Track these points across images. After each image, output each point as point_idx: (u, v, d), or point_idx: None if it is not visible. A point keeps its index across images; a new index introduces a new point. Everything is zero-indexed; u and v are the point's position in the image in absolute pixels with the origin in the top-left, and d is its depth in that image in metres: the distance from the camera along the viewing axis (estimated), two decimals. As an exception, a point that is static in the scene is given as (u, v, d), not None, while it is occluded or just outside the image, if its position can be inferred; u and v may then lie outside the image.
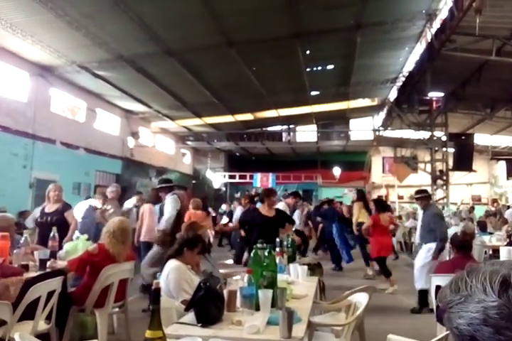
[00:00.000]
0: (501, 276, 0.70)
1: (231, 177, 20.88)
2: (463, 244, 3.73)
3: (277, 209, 5.20)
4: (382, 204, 7.19)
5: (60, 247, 4.23)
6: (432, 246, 5.26)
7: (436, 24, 10.03)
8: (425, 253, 5.33)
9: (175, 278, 2.93)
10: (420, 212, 5.67)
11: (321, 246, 10.81)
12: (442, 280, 3.33)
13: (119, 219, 3.87)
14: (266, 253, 2.66)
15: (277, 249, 3.76)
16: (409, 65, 12.78)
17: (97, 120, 13.23)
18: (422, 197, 5.64)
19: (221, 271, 5.21)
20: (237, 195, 18.61)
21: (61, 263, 3.77)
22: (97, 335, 3.40)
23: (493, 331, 0.68)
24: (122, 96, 12.70)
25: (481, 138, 17.41)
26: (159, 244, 5.28)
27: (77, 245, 4.23)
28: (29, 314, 2.85)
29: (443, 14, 9.60)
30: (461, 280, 0.75)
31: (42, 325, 3.07)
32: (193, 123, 17.29)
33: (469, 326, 0.70)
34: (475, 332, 0.69)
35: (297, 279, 3.39)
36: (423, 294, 5.22)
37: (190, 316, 2.23)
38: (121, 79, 11.34)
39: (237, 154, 22.02)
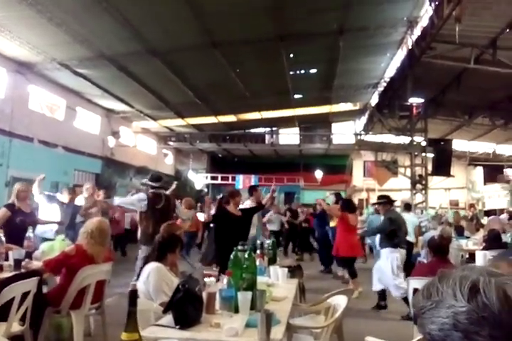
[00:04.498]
0: (471, 282, 0.72)
1: (213, 178, 20.81)
2: (440, 247, 3.81)
3: (241, 209, 5.38)
4: (350, 205, 7.07)
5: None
6: (390, 252, 5.41)
7: (417, 31, 10.23)
8: (384, 261, 5.48)
9: (155, 280, 2.91)
10: (382, 218, 5.74)
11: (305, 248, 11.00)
12: (419, 283, 3.39)
13: (97, 219, 3.82)
14: (246, 255, 2.67)
15: (258, 251, 3.78)
16: (391, 71, 12.99)
17: (76, 118, 13.03)
18: (382, 202, 5.68)
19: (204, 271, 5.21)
20: (219, 197, 18.53)
21: (36, 264, 3.70)
22: (72, 337, 3.34)
23: (463, 336, 0.69)
24: (103, 94, 12.53)
25: (459, 144, 17.81)
26: (144, 243, 5.30)
27: (53, 245, 4.16)
28: (3, 315, 2.78)
29: (424, 22, 9.80)
30: (432, 286, 0.76)
31: (16, 327, 3.00)
32: (176, 123, 17.20)
33: (440, 331, 0.72)
34: (446, 337, 0.71)
35: (277, 281, 3.40)
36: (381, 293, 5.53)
37: (168, 318, 2.22)
38: (103, 77, 11.19)
39: (220, 155, 21.97)
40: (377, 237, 5.77)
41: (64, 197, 6.36)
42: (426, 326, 0.75)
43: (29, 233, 3.96)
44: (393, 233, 5.44)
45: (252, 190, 6.48)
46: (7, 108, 9.97)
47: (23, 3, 7.17)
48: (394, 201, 5.97)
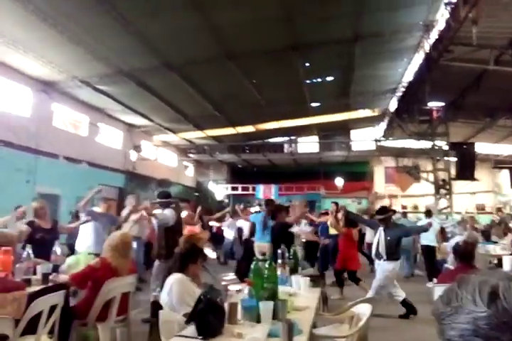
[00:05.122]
0: (490, 287, 0.71)
1: (233, 189, 20.88)
2: (465, 253, 3.72)
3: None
4: (352, 220, 7.22)
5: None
6: (396, 265, 5.52)
7: (434, 35, 10.16)
8: (389, 271, 5.51)
9: (178, 291, 2.93)
10: (381, 229, 5.62)
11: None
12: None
13: (121, 232, 3.89)
14: (266, 265, 2.68)
15: (279, 261, 3.77)
16: (409, 76, 12.89)
17: (99, 134, 13.33)
18: (386, 217, 5.70)
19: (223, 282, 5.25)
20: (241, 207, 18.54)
21: (63, 277, 3.78)
22: (99, 350, 3.39)
23: None
24: (124, 110, 12.81)
25: (483, 147, 17.42)
26: (157, 257, 5.38)
27: (79, 259, 4.24)
28: (31, 328, 2.85)
29: (440, 25, 9.72)
30: (451, 291, 0.76)
31: (44, 340, 3.07)
32: (195, 135, 17.39)
33: (460, 337, 0.71)
34: None
35: (299, 291, 3.39)
36: None
37: (192, 329, 2.24)
38: (123, 93, 11.46)
39: (239, 166, 22.06)
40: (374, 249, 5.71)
41: (100, 208, 6.48)
42: (446, 332, 0.74)
43: (55, 247, 4.05)
44: (399, 244, 5.64)
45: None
46: (32, 126, 10.30)
47: (44, 24, 7.44)
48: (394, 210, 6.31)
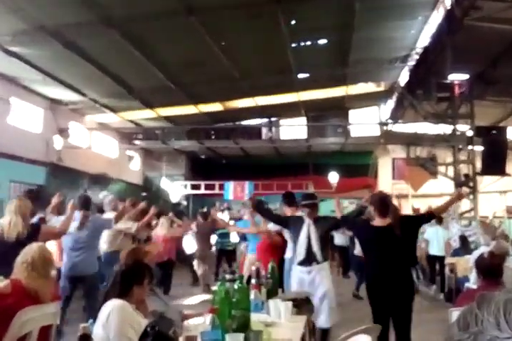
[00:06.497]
0: None
1: (194, 187, 20.84)
2: (490, 268, 3.81)
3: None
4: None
5: None
6: (326, 266, 5.45)
7: (457, -14, 10.33)
8: (329, 272, 5.52)
9: (118, 322, 2.93)
10: (309, 223, 5.37)
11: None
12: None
13: (38, 245, 3.82)
14: (236, 287, 2.69)
15: (253, 281, 3.80)
16: (424, 39, 13.08)
17: (10, 113, 13.05)
18: (313, 203, 5.61)
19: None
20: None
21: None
22: None
23: None
24: (46, 80, 12.57)
25: (518, 133, 17.88)
26: None
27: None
28: None
29: (465, -26, 9.89)
30: (470, 314, 0.78)
31: None
32: (143, 116, 17.28)
33: None
34: None
35: (278, 320, 3.42)
36: (324, 333, 5.24)
37: (135, 371, 2.23)
38: (44, 57, 11.25)
39: (202, 157, 22.05)
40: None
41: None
42: None
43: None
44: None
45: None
46: None
47: None
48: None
